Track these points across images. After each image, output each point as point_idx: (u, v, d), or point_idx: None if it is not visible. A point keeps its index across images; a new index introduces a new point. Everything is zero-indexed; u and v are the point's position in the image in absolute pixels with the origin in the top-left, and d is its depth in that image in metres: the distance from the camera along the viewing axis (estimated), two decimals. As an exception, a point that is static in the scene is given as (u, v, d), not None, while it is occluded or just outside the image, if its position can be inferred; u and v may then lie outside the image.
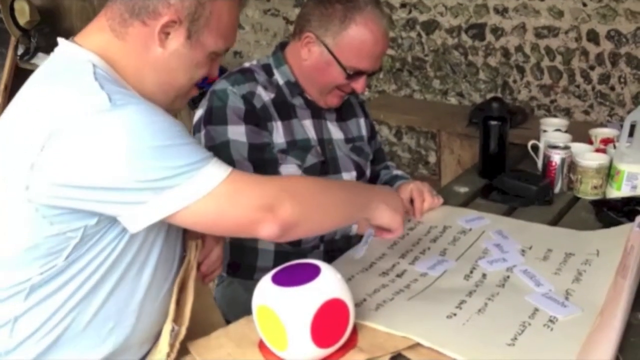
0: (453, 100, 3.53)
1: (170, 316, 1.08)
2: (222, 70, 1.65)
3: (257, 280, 1.04)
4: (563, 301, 1.16)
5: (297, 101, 1.56)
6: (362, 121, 1.70)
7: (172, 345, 1.05)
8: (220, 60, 1.16)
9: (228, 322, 1.16)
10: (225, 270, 1.62)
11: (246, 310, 1.07)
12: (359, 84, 1.51)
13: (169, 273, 1.13)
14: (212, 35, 1.08)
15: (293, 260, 1.08)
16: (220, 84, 1.51)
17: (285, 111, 1.53)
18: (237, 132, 1.46)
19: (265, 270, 1.16)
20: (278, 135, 1.51)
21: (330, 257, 1.41)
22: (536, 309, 1.14)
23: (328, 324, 0.98)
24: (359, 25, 1.44)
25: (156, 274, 1.09)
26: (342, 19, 1.45)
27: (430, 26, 3.48)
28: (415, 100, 3.63)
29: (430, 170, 3.71)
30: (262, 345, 1.04)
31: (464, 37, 3.39)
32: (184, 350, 1.07)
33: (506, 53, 3.29)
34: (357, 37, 1.45)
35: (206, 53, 1.09)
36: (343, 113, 1.66)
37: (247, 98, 1.48)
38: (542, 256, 1.35)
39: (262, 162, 1.47)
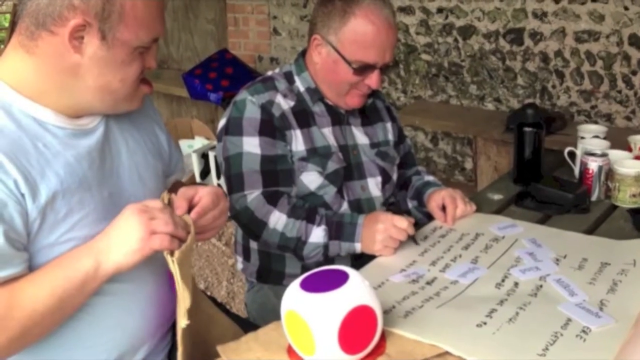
0: (490, 106, 3.49)
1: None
2: (256, 77, 1.67)
3: (287, 285, 1.05)
4: (597, 312, 1.14)
5: (318, 107, 1.57)
6: (388, 125, 1.70)
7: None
8: (155, 49, 1.09)
9: (258, 327, 1.17)
10: (255, 277, 1.64)
11: (276, 315, 1.08)
12: (372, 80, 1.50)
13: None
14: (130, 30, 1.02)
15: (323, 265, 1.09)
16: (241, 94, 1.54)
17: (304, 119, 1.54)
18: (251, 144, 1.49)
19: (294, 276, 1.17)
20: (297, 143, 1.52)
21: (358, 262, 1.41)
22: (569, 319, 1.12)
23: (356, 330, 0.99)
24: (358, 18, 1.44)
25: None
26: (342, 14, 1.45)
27: (467, 31, 3.45)
28: (452, 105, 3.60)
29: (466, 176, 3.67)
30: (290, 350, 1.05)
31: (501, 42, 3.36)
32: (213, 352, 1.09)
33: (545, 58, 3.24)
34: (357, 29, 1.45)
35: (130, 49, 1.04)
36: (369, 117, 1.66)
37: (266, 107, 1.50)
38: (576, 265, 1.33)
39: (274, 173, 1.49)
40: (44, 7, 0.99)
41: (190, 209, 1.08)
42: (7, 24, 6.22)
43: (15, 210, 0.97)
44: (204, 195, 1.11)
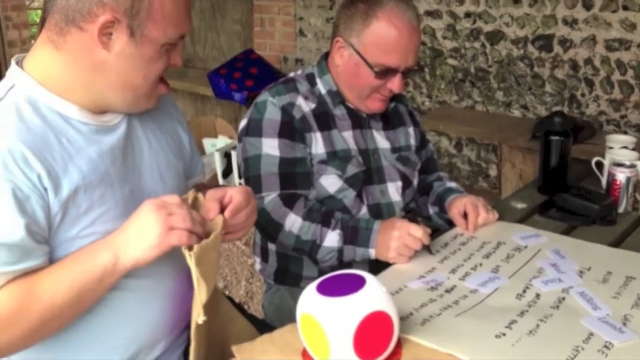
0: (517, 112, 3.45)
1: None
2: (280, 77, 1.67)
3: (304, 288, 1.04)
4: (620, 327, 1.11)
5: (339, 111, 1.56)
6: (411, 130, 1.68)
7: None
8: (181, 47, 1.10)
9: (274, 328, 1.16)
10: (273, 278, 1.64)
11: (292, 318, 1.07)
12: (394, 84, 1.48)
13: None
14: (158, 27, 1.03)
15: (338, 270, 1.08)
16: (263, 96, 1.53)
17: (325, 122, 1.53)
18: (270, 145, 1.48)
19: (311, 279, 1.15)
20: (318, 146, 1.51)
21: (376, 267, 1.39)
22: (591, 334, 1.09)
23: (371, 336, 0.97)
24: (380, 21, 1.43)
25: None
26: (365, 17, 1.44)
27: (495, 36, 3.41)
28: (477, 111, 3.57)
29: (490, 183, 3.63)
30: (305, 354, 1.04)
31: (530, 48, 3.31)
32: (229, 352, 1.09)
33: (574, 65, 3.19)
34: (380, 32, 1.43)
35: (157, 46, 1.05)
36: (391, 122, 1.64)
37: (286, 109, 1.50)
38: (601, 278, 1.30)
39: (292, 175, 1.48)
40: (73, 3, 1.00)
41: (221, 210, 1.09)
42: (38, 20, 6.32)
43: (37, 203, 0.98)
44: (234, 194, 1.12)
